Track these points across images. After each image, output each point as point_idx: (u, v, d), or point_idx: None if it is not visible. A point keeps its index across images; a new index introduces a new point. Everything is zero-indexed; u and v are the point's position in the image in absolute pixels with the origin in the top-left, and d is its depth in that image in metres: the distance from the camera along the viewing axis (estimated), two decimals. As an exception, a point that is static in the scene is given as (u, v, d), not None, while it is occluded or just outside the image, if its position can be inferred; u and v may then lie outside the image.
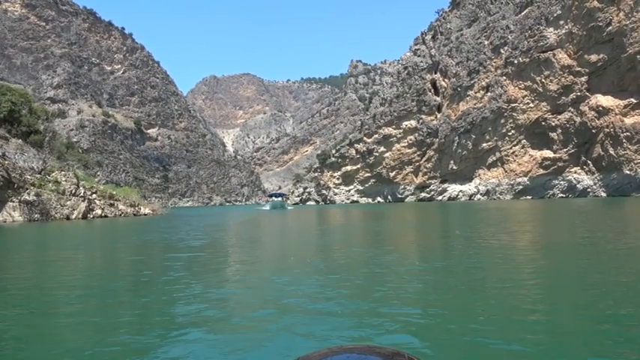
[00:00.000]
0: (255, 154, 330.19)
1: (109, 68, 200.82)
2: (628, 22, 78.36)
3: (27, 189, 38.07)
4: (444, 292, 7.79)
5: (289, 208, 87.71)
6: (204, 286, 9.22)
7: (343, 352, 1.03)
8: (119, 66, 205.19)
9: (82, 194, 42.43)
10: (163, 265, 12.43)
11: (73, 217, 40.35)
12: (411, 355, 1.04)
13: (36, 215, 37.83)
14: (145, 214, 51.55)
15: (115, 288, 9.14)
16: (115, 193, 50.27)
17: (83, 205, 41.59)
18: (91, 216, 43.04)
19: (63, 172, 42.92)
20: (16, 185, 36.95)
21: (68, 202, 40.41)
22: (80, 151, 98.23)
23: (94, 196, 45.06)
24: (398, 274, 9.78)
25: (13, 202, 36.59)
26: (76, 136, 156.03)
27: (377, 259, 12.21)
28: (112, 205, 46.63)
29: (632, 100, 78.35)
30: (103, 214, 44.47)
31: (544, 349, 4.79)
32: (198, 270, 11.53)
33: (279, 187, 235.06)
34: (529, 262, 11.10)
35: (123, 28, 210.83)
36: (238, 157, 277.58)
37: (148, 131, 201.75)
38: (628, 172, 77.47)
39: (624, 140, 78.10)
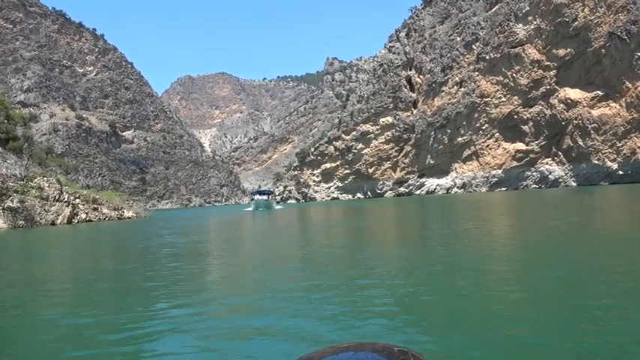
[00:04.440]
0: (233, 153, 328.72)
1: (81, 70, 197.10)
2: (593, 17, 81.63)
3: (10, 196, 38.02)
4: (433, 286, 8.10)
5: (277, 207, 76.80)
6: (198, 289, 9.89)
7: (346, 350, 1.02)
8: (91, 68, 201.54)
9: (65, 199, 42.48)
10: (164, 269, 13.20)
11: (58, 222, 40.43)
12: (414, 352, 1.03)
13: (21, 222, 37.83)
14: (129, 218, 51.73)
15: (104, 294, 8.95)
16: (98, 197, 50.30)
17: (67, 210, 41.68)
18: (76, 221, 43.13)
19: (45, 178, 42.86)
20: (-1, 192, 36.89)
21: (52, 208, 40.47)
22: (54, 155, 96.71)
23: (78, 200, 45.10)
24: (390, 270, 10.81)
25: (-3, 209, 36.55)
26: (49, 141, 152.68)
27: (371, 257, 13.20)
28: (95, 209, 46.73)
29: (599, 92, 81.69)
30: (87, 219, 44.59)
31: (530, 335, 5.09)
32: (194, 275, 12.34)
33: (259, 186, 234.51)
34: (512, 251, 12.31)
35: (94, 30, 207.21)
36: (216, 157, 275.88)
37: (124, 134, 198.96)
38: (596, 162, 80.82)
39: (592, 131, 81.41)
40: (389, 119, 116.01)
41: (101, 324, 6.55)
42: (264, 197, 72.16)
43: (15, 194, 38.22)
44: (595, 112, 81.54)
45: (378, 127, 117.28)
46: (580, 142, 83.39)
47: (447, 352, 4.80)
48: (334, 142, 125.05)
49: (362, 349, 1.02)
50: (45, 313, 7.48)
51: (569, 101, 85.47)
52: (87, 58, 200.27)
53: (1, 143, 44.68)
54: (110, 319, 6.81)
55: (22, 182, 39.91)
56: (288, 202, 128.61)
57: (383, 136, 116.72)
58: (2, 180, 37.60)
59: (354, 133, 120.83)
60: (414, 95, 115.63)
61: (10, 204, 37.37)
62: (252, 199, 73.47)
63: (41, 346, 5.73)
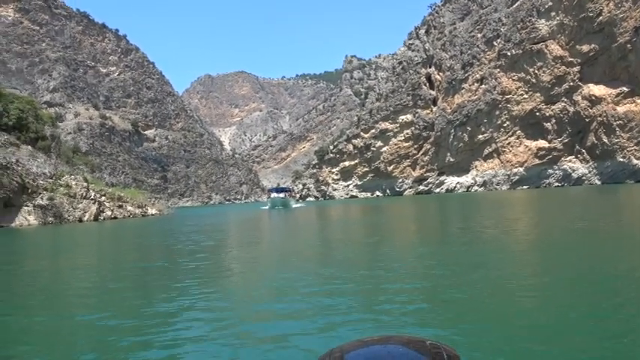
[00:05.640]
0: (252, 152, 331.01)
1: (105, 70, 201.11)
2: (618, 11, 79.84)
3: (40, 193, 39.36)
4: (456, 284, 8.07)
5: (296, 205, 72.74)
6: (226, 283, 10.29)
7: (377, 343, 1.01)
8: (114, 68, 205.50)
9: (92, 197, 43.75)
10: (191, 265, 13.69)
11: (85, 219, 41.67)
12: (446, 346, 1.02)
13: (50, 218, 39.14)
14: (153, 215, 52.91)
15: (128, 293, 9.12)
16: (122, 195, 51.60)
17: (94, 208, 42.92)
18: (102, 218, 44.36)
19: (73, 176, 44.18)
20: (30, 190, 38.24)
21: (80, 205, 41.73)
22: (79, 154, 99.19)
23: (104, 198, 46.36)
24: (414, 268, 11.01)
25: (28, 206, 37.90)
26: (74, 140, 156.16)
27: (394, 255, 13.45)
28: (120, 206, 47.97)
29: (624, 88, 79.95)
30: (112, 216, 45.80)
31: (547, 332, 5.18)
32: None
33: (278, 184, 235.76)
34: (537, 252, 12.39)
35: (117, 30, 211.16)
36: (236, 155, 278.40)
37: (146, 132, 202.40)
38: (621, 159, 79.15)
39: (617, 128, 79.75)
40: (408, 117, 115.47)
41: (124, 325, 6.61)
42: (281, 195, 69.30)
43: (45, 192, 39.55)
44: (620, 109, 79.85)
45: (398, 125, 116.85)
46: (605, 140, 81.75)
47: (477, 346, 4.84)
48: (353, 140, 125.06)
49: (393, 341, 1.01)
50: (69, 313, 7.59)
51: (593, 98, 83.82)
52: (110, 58, 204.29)
53: (31, 142, 46.18)
54: (133, 320, 6.84)
55: (51, 180, 41.26)
56: (307, 199, 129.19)
57: (402, 134, 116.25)
58: (33, 178, 38.95)
59: (373, 131, 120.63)
60: (433, 93, 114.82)
61: (41, 201, 38.70)
62: (269, 197, 70.85)
63: (65, 346, 5.80)
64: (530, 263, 9.74)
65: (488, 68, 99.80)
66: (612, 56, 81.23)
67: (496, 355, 4.71)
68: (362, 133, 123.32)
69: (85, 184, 44.50)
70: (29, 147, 43.48)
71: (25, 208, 37.74)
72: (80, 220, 41.22)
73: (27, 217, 37.46)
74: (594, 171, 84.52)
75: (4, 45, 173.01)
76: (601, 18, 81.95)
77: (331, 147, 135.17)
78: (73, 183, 43.20)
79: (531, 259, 10.34)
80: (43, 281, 11.26)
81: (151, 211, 53.92)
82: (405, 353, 0.96)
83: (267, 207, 67.41)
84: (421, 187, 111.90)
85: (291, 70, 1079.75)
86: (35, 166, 40.06)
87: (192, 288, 8.91)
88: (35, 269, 13.58)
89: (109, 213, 45.74)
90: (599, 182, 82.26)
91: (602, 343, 4.92)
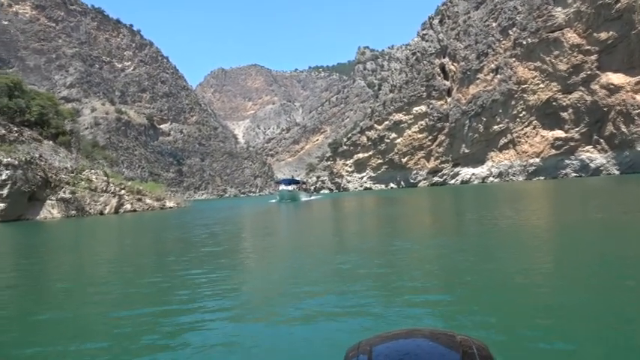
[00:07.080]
0: (266, 144, 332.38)
1: (120, 65, 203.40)
2: (637, -2, 78.17)
3: (62, 187, 40.37)
4: (478, 276, 8.12)
5: (307, 198, 69.35)
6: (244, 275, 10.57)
7: (405, 337, 0.99)
8: (129, 63, 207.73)
9: (112, 191, 44.70)
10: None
11: (106, 212, 42.66)
12: (477, 341, 1.00)
13: (72, 212, 40.18)
14: (171, 208, 53.83)
15: (150, 287, 8.91)
16: (141, 188, 52.57)
17: (114, 201, 43.87)
18: (122, 211, 45.34)
19: (93, 171, 45.17)
20: (52, 184, 39.26)
21: (100, 199, 42.72)
22: (98, 149, 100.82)
23: (123, 192, 47.32)
24: (438, 261, 11.18)
25: (52, 200, 38.94)
26: (91, 134, 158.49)
27: (413, 247, 13.68)
28: (139, 199, 48.91)
29: (643, 76, 78.46)
30: (132, 209, 46.75)
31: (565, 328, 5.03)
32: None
33: (292, 176, 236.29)
34: (556, 243, 12.51)
35: (131, 25, 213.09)
36: (250, 148, 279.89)
37: (161, 126, 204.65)
38: (640, 148, 77.92)
39: (636, 117, 78.44)
40: (422, 108, 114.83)
41: (141, 318, 6.60)
42: (289, 188, 64.31)
43: (67, 186, 40.56)
44: (639, 97, 78.49)
45: (412, 117, 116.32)
46: (623, 129, 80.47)
47: (508, 341, 4.72)
48: (367, 132, 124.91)
49: (422, 335, 0.98)
50: (92, 306, 7.55)
51: (611, 86, 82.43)
52: (125, 53, 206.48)
53: (52, 138, 47.26)
54: (154, 312, 6.82)
55: (72, 174, 42.25)
56: (322, 192, 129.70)
57: (416, 126, 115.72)
58: (55, 172, 39.98)
59: (387, 122, 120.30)
60: (447, 83, 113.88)
61: (63, 195, 39.72)
62: (278, 190, 66.45)
63: (87, 338, 5.82)
64: (552, 254, 9.79)
65: (504, 58, 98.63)
66: (631, 44, 79.69)
67: (524, 350, 4.56)
68: (376, 125, 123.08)
69: (105, 178, 45.48)
70: (51, 142, 44.55)
71: (49, 201, 38.80)
72: (101, 213, 42.21)
73: (50, 211, 38.52)
74: (612, 161, 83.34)
75: (22, 42, 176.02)
76: (619, 5, 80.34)
77: (345, 139, 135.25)
78: (94, 177, 44.19)
79: (553, 250, 10.42)
80: (68, 274, 11.45)
81: (169, 204, 54.86)
82: (434, 347, 0.94)
83: (275, 200, 64.42)
84: (436, 179, 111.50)
85: (303, 62, 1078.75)
86: (57, 161, 41.09)
87: (210, 282, 8.85)
88: (61, 262, 14.13)
89: (129, 206, 46.69)
90: (617, 172, 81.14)
91: (619, 329, 4.93)
